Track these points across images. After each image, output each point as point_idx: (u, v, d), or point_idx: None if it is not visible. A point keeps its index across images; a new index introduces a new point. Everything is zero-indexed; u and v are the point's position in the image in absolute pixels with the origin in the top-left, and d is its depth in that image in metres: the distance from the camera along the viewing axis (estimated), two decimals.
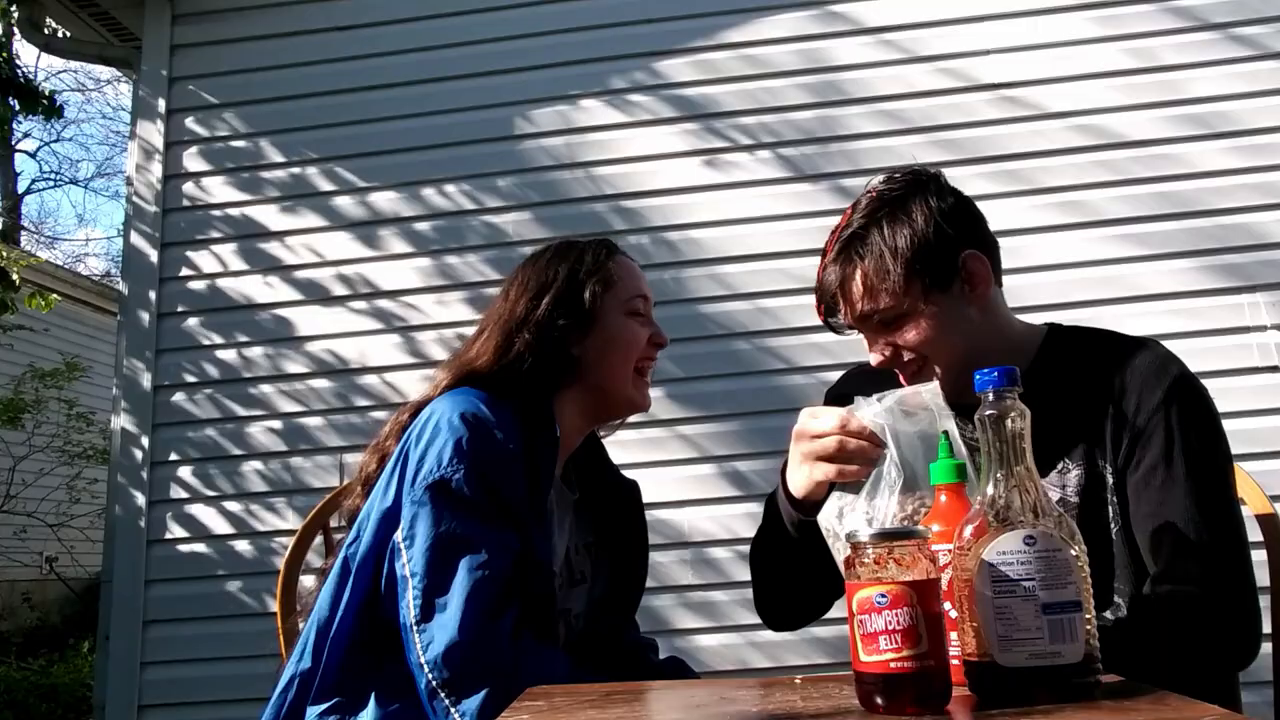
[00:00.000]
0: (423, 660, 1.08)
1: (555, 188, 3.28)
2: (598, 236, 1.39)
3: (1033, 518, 0.82)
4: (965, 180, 3.12)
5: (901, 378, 1.25)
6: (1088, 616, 0.80)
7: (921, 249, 1.21)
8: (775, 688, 0.93)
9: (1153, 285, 2.97)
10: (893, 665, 0.76)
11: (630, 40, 3.33)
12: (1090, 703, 0.77)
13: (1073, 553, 0.81)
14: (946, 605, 0.83)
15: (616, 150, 3.29)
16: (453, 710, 1.06)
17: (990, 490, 0.84)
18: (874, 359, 1.26)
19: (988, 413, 0.86)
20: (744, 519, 2.97)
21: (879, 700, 0.77)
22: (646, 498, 1.50)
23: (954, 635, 0.83)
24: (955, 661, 0.82)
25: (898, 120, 3.18)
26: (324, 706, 1.16)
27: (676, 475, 2.99)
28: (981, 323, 1.25)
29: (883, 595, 0.77)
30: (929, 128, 3.16)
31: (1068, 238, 3.03)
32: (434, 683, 1.07)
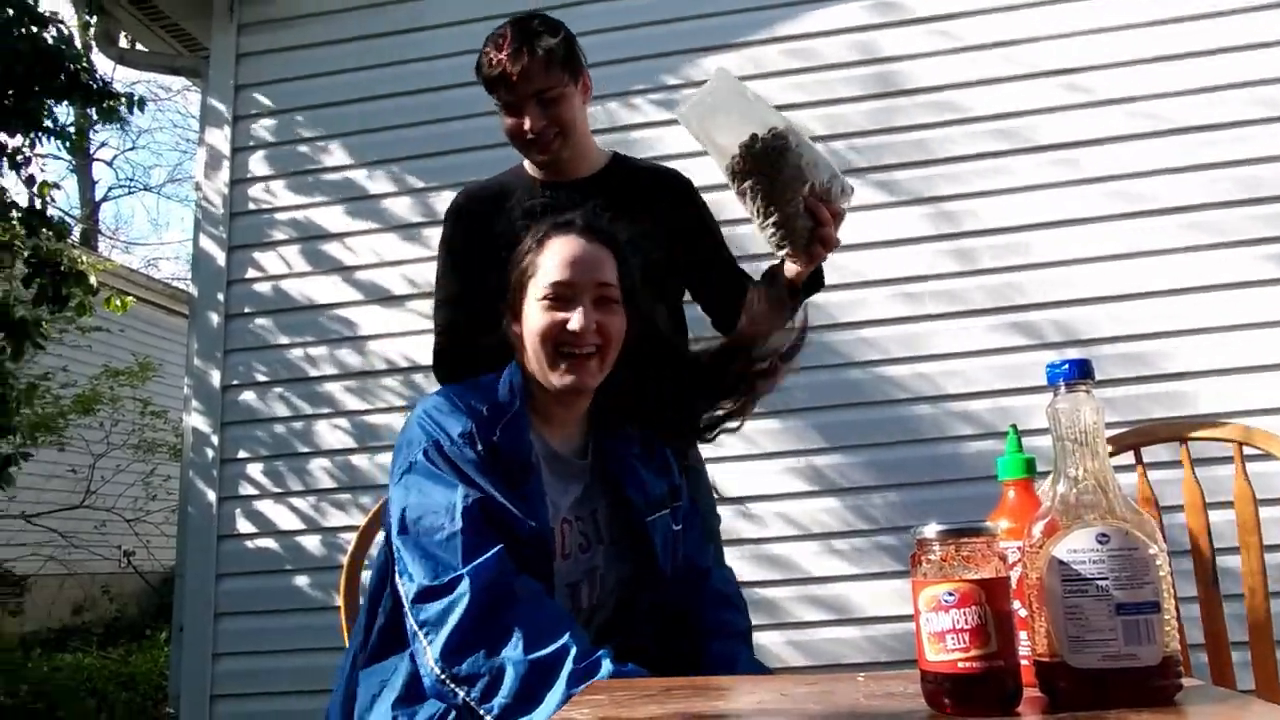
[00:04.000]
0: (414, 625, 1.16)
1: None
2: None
3: (1107, 515, 0.79)
4: (1023, 169, 3.09)
5: (542, 144, 1.70)
6: (1168, 618, 0.77)
7: (571, 55, 1.71)
8: (838, 685, 0.92)
9: (1217, 275, 2.86)
10: (960, 665, 0.74)
11: (680, 36, 3.32)
12: (1169, 708, 0.74)
13: (1151, 551, 0.78)
14: (1016, 604, 0.81)
15: (666, 147, 3.28)
16: (427, 647, 1.12)
17: (1061, 486, 0.82)
18: (529, 125, 1.68)
19: (1059, 405, 0.84)
20: (809, 514, 2.95)
21: (946, 700, 0.75)
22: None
23: (1024, 635, 0.81)
24: (1025, 662, 0.80)
25: (952, 110, 3.11)
26: (369, 670, 1.26)
27: (737, 470, 2.97)
28: (584, 119, 1.79)
29: (950, 593, 0.75)
30: (985, 116, 3.09)
31: (1126, 226, 2.94)
32: (414, 627, 1.15)
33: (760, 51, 3.27)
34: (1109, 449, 0.84)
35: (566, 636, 1.07)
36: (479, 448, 1.23)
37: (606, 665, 1.05)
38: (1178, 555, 1.31)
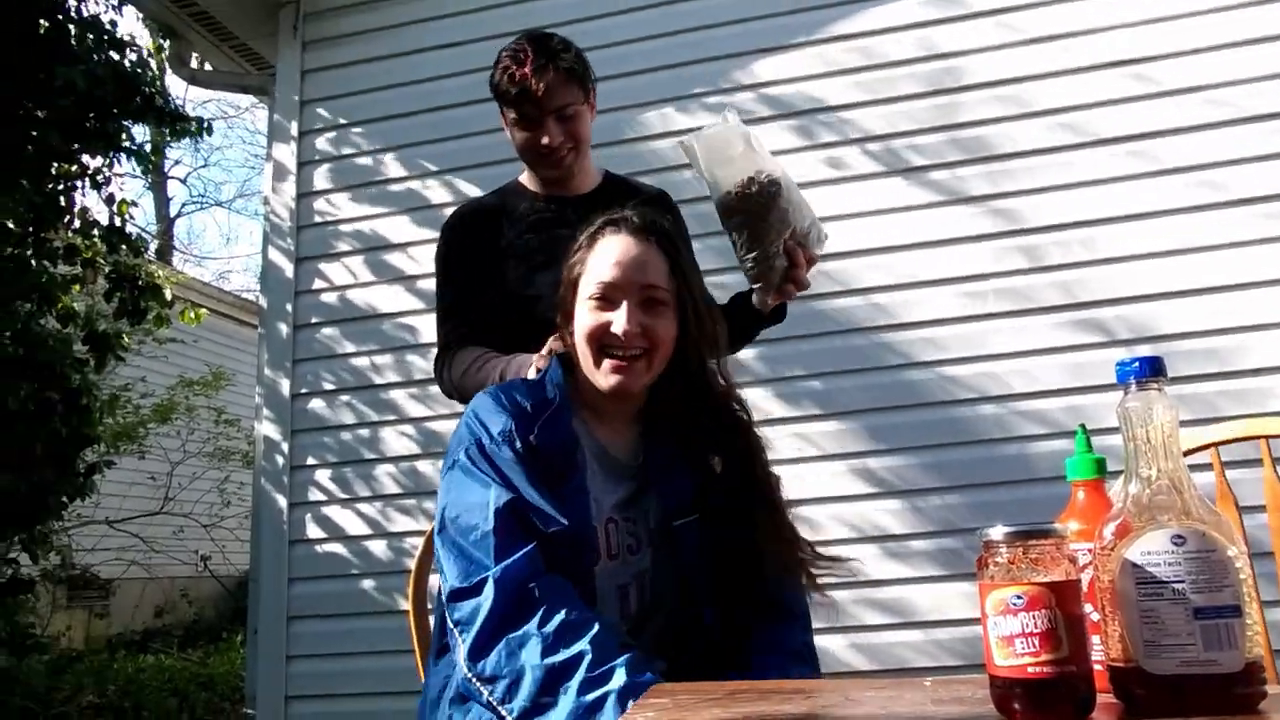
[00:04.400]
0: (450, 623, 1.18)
1: (668, 190, 3.28)
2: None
3: (1182, 515, 0.77)
4: (1088, 162, 3.01)
5: (558, 157, 1.78)
6: (1250, 623, 0.75)
7: (585, 73, 1.79)
8: (904, 689, 0.91)
9: None
10: (1031, 670, 0.73)
11: (736, 39, 3.31)
12: (1252, 717, 0.72)
13: (1230, 553, 0.75)
14: (1088, 608, 0.79)
15: None
16: (460, 645, 1.14)
17: (1134, 487, 0.80)
18: (549, 140, 1.75)
19: (1130, 404, 0.81)
20: (868, 517, 2.91)
21: (1016, 706, 0.74)
22: None
23: (1096, 640, 0.79)
24: (1099, 667, 0.78)
25: (1016, 104, 3.05)
26: (437, 666, 1.30)
27: (794, 473, 2.95)
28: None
29: (1019, 596, 0.74)
30: (1048, 110, 3.01)
31: (1198, 219, 2.84)
32: (451, 625, 1.17)
33: (819, 50, 3.24)
34: (1183, 448, 0.82)
35: (584, 643, 1.07)
36: (517, 446, 1.24)
37: (620, 675, 1.03)
38: (1260, 557, 1.26)
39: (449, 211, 3.68)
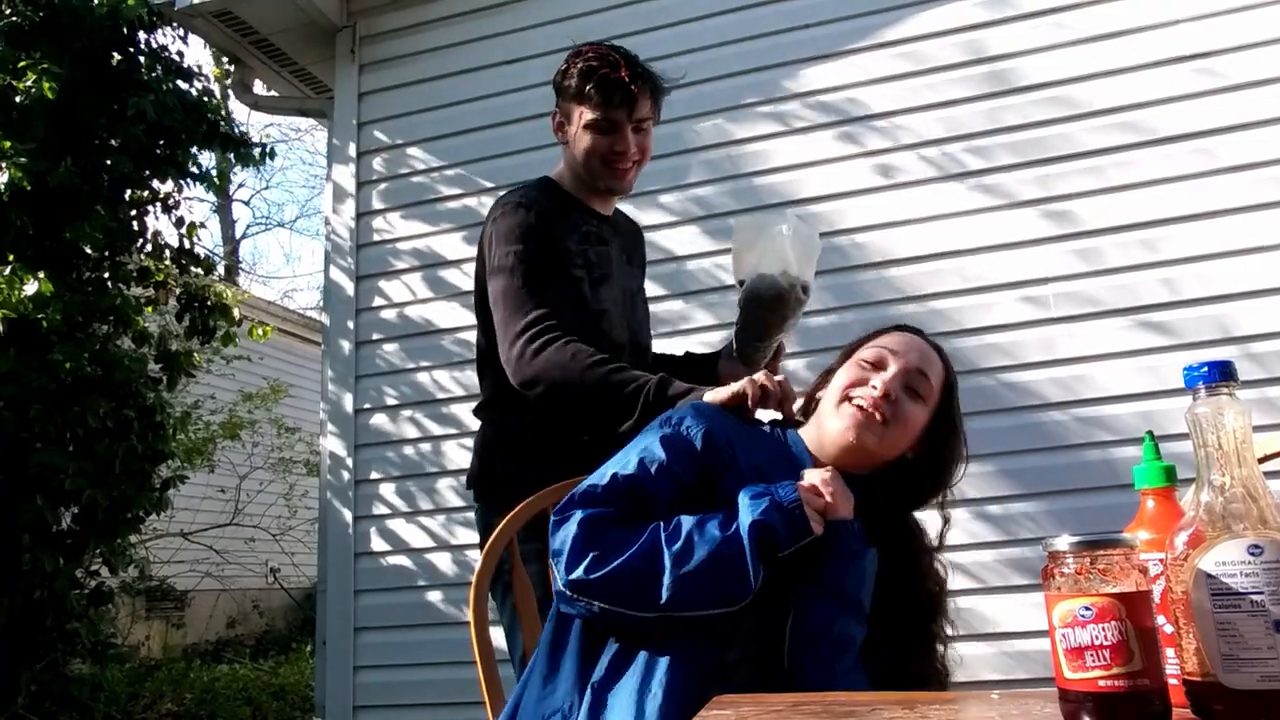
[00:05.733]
0: None
1: (718, 200, 3.29)
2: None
3: (1259, 525, 0.74)
4: (1149, 162, 2.92)
5: (625, 167, 1.80)
6: None
7: (661, 92, 1.82)
8: (971, 703, 0.90)
9: None
10: (1102, 684, 0.71)
11: (786, 48, 3.30)
12: None
13: None
14: (1161, 620, 0.77)
15: (776, 160, 3.27)
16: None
17: (1205, 495, 0.78)
18: (627, 147, 1.76)
19: (1199, 410, 0.79)
20: (932, 527, 2.86)
21: None
22: None
23: (1170, 653, 0.77)
24: (1174, 681, 0.76)
25: (1069, 106, 2.98)
26: (547, 684, 1.29)
27: None
28: None
29: (1087, 608, 0.72)
30: (1104, 110, 2.94)
31: (1272, 216, 2.74)
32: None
33: (868, 58, 3.22)
34: (1260, 453, 0.80)
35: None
36: (717, 448, 1.28)
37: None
38: None
39: None
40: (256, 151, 4.44)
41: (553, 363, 1.57)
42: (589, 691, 1.16)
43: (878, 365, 1.33)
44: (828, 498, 1.21)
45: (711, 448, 1.27)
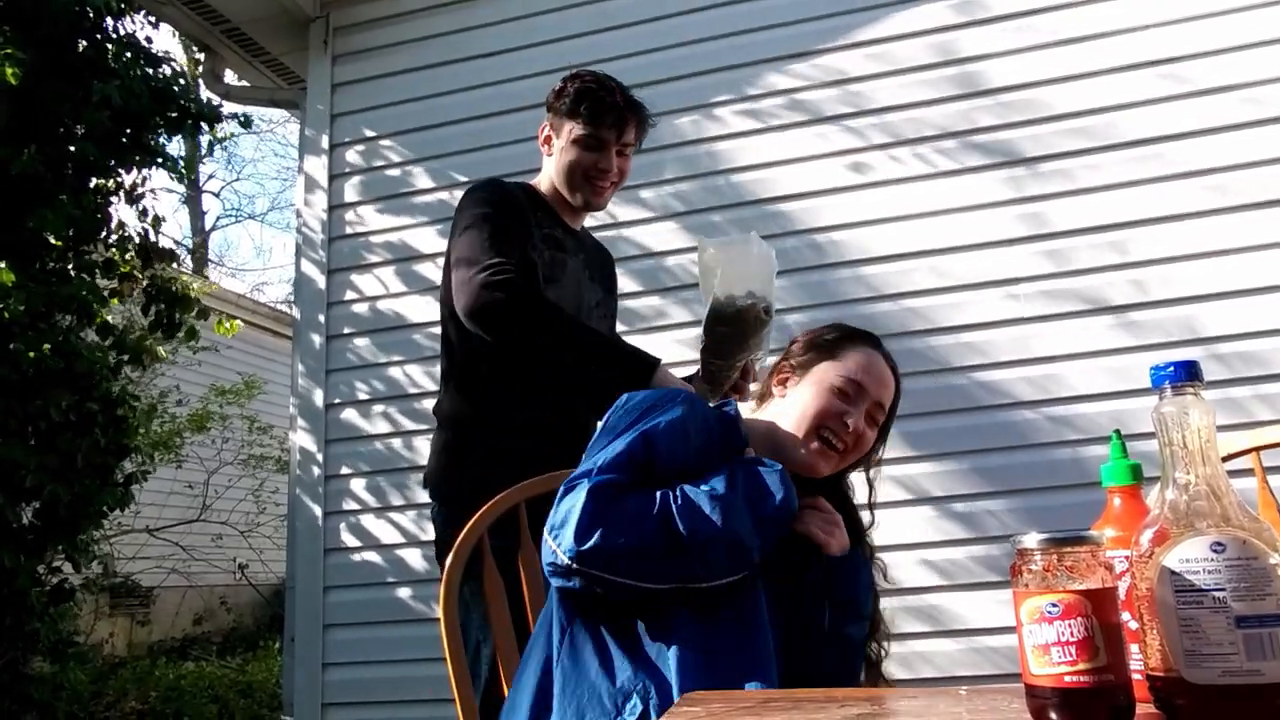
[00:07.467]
0: None
1: (697, 196, 3.30)
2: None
3: (1221, 522, 0.76)
4: (1114, 165, 2.96)
5: (604, 186, 1.90)
6: None
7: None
8: (939, 698, 0.90)
9: None
10: (1068, 679, 0.72)
11: (759, 47, 3.31)
12: None
13: (1272, 561, 0.74)
14: (1125, 616, 0.78)
15: (749, 158, 3.28)
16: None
17: (1170, 493, 0.79)
18: (612, 170, 1.87)
19: (1165, 409, 0.80)
20: (904, 524, 2.89)
21: (1054, 715, 0.73)
22: None
23: (1134, 649, 0.78)
24: (1138, 677, 0.77)
25: (1039, 109, 3.01)
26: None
27: None
28: None
29: (1054, 604, 0.73)
30: (1074, 113, 2.97)
31: (1236, 220, 2.78)
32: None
33: (842, 57, 3.23)
34: (1223, 452, 0.81)
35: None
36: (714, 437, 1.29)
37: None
38: None
39: None
40: (230, 125, 4.36)
41: (539, 313, 1.70)
42: (657, 667, 1.12)
43: (850, 398, 1.36)
44: (827, 535, 1.28)
45: (702, 446, 1.29)
